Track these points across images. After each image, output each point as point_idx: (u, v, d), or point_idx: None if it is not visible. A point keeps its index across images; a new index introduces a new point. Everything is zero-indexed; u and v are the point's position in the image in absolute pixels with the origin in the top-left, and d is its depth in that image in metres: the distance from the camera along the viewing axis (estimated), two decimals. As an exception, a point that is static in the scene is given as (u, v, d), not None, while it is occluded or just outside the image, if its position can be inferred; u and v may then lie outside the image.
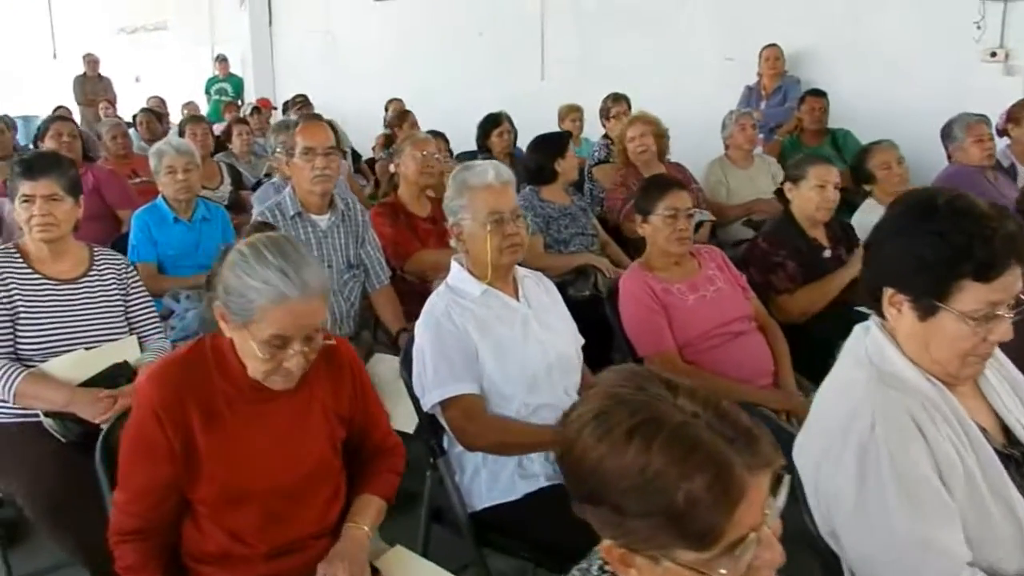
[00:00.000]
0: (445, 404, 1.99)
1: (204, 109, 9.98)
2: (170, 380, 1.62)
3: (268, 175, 5.88)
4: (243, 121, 6.47)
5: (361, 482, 1.83)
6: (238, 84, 10.63)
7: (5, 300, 2.34)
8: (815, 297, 2.85)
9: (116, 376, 2.40)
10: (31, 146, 5.90)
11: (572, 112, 6.50)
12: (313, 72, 10.10)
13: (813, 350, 2.76)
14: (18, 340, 2.35)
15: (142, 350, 2.53)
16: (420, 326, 2.05)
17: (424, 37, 8.85)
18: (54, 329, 2.38)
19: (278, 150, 3.84)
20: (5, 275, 2.37)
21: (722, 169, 4.64)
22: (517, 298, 2.14)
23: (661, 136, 4.25)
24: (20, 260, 2.42)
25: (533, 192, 3.87)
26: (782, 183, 3.11)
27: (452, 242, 2.15)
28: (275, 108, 9.67)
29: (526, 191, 3.89)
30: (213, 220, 3.71)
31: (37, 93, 13.21)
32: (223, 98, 10.36)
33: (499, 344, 2.03)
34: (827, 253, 3.01)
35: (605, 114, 5.43)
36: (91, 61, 10.36)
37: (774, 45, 5.76)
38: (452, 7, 8.65)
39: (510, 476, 2.00)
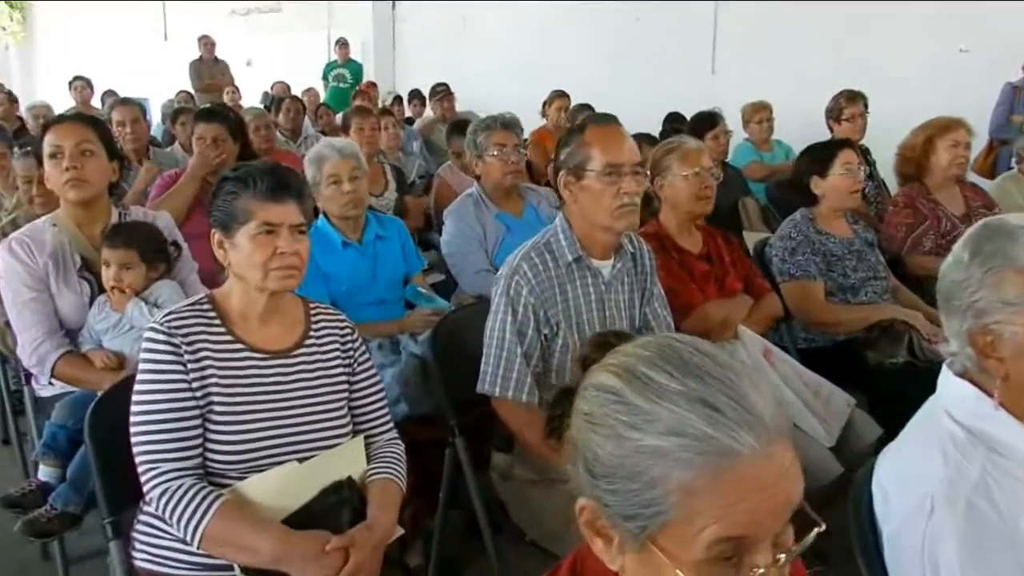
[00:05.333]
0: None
1: (321, 96, 9.38)
2: None
3: (422, 177, 5.13)
4: (388, 112, 5.69)
5: None
6: (357, 70, 9.97)
7: (197, 385, 1.56)
8: None
9: (338, 505, 1.61)
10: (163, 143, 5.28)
11: (759, 111, 5.52)
12: (440, 59, 9.33)
13: None
14: (208, 443, 1.56)
15: (368, 457, 1.72)
16: (940, 506, 1.14)
17: (572, 23, 7.96)
18: (259, 427, 1.59)
19: (493, 153, 3.02)
20: (199, 346, 1.58)
21: (1018, 188, 3.63)
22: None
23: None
24: (217, 323, 1.63)
25: (808, 220, 2.94)
26: None
27: (950, 346, 1.24)
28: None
29: (798, 217, 2.97)
30: (389, 237, 2.89)
31: (148, 76, 12.89)
32: (341, 84, 9.73)
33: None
34: None
35: (835, 115, 4.44)
36: (207, 44, 9.75)
37: (1057, 34, 4.66)
38: (605, -12, 7.75)
39: None
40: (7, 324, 2.53)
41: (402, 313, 2.79)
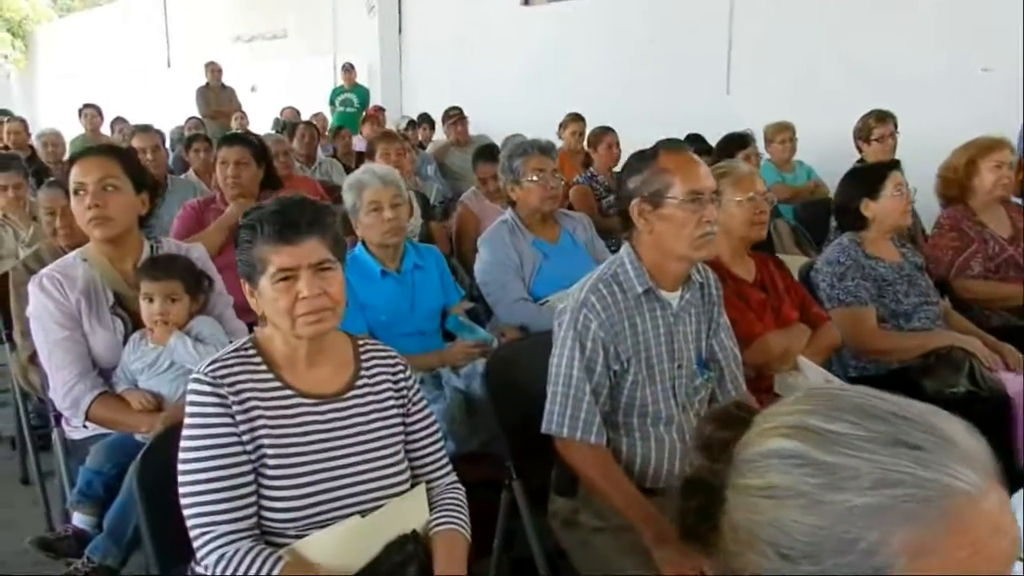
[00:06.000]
0: None
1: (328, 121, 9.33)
2: None
3: (441, 201, 5.06)
4: (403, 137, 5.62)
5: None
6: (364, 95, 9.92)
7: (248, 438, 1.45)
8: None
9: (404, 563, 1.51)
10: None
11: (782, 132, 5.46)
12: (448, 82, 9.29)
13: None
14: (262, 500, 1.46)
15: (430, 506, 1.62)
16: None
17: (583, 44, 7.91)
18: (315, 479, 1.49)
19: (532, 179, 2.93)
20: (247, 395, 1.47)
21: (1060, 210, 3.54)
22: None
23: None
24: (264, 368, 1.53)
25: (855, 244, 2.85)
26: None
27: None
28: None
29: (845, 241, 2.87)
30: (427, 267, 2.80)
31: (151, 102, 12.87)
32: (348, 109, 9.68)
33: None
34: None
35: (864, 135, 4.37)
36: (214, 70, 9.68)
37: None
38: (616, 9, 7.69)
39: None
40: (30, 360, 2.44)
41: (440, 344, 2.70)
